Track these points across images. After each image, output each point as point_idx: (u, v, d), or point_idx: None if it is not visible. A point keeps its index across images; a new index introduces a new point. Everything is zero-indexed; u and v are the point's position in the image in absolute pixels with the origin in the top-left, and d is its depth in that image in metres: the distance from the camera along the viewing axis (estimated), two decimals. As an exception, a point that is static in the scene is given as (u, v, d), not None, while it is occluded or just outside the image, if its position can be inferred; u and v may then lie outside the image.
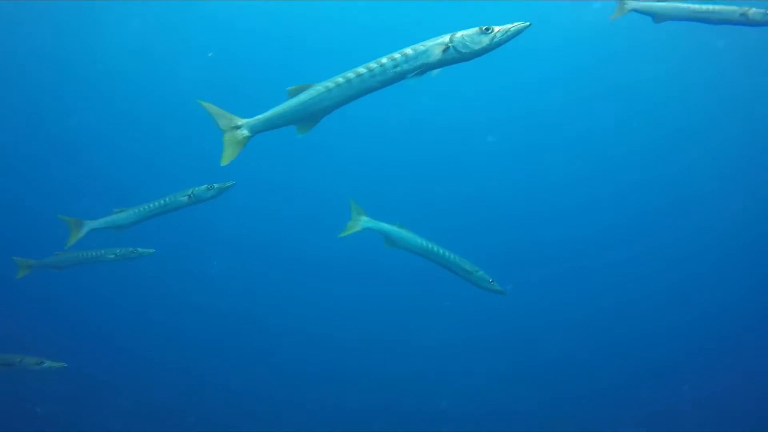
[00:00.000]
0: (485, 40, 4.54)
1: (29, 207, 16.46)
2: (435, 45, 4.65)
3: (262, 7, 18.63)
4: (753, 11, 6.11)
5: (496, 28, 4.50)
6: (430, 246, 7.33)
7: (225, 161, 4.99)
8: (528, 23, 4.44)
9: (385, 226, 7.44)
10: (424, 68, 4.68)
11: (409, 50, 4.68)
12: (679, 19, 6.58)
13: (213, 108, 5.02)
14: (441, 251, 7.33)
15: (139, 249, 8.33)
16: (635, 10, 6.71)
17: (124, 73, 18.63)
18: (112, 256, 8.40)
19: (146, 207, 7.30)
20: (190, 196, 6.98)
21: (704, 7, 6.35)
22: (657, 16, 6.63)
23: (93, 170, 17.88)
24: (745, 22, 6.15)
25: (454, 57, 4.64)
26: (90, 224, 7.54)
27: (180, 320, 15.45)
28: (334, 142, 17.63)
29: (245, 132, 4.97)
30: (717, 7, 6.30)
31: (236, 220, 17.12)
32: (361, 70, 4.74)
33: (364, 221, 7.47)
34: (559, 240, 16.46)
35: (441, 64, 4.67)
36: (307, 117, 4.90)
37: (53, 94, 18.86)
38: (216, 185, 6.89)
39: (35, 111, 18.47)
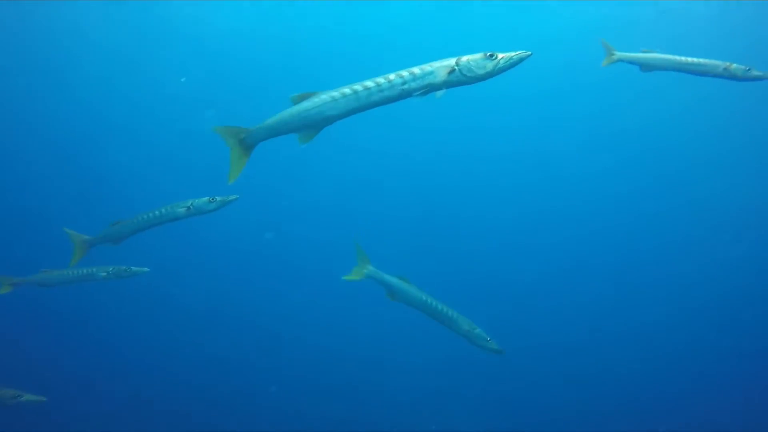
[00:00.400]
0: (489, 66, 4.69)
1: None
2: (441, 66, 4.77)
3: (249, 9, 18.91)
4: (735, 66, 6.44)
5: (500, 55, 4.66)
6: (430, 301, 7.31)
7: (233, 178, 4.99)
8: (529, 53, 4.61)
9: (388, 278, 7.45)
10: (430, 88, 4.78)
11: (416, 69, 4.78)
12: (665, 69, 6.90)
13: (224, 130, 5.01)
14: (441, 307, 7.32)
15: (132, 267, 7.89)
16: (623, 60, 7.03)
17: (114, 79, 18.68)
18: (104, 274, 7.94)
19: (142, 218, 7.06)
20: (189, 207, 6.78)
21: (689, 59, 6.69)
22: (644, 66, 6.96)
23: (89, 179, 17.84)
24: (727, 76, 6.48)
25: (458, 79, 4.77)
26: (89, 240, 7.37)
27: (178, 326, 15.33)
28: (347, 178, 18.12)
29: (248, 142, 4.97)
30: (701, 60, 6.63)
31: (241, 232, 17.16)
32: (369, 83, 4.79)
33: (368, 270, 7.49)
34: (563, 301, 16.25)
35: (446, 85, 4.78)
36: (310, 125, 4.90)
37: (45, 101, 18.84)
38: (219, 198, 6.70)
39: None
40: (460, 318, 7.26)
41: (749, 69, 6.36)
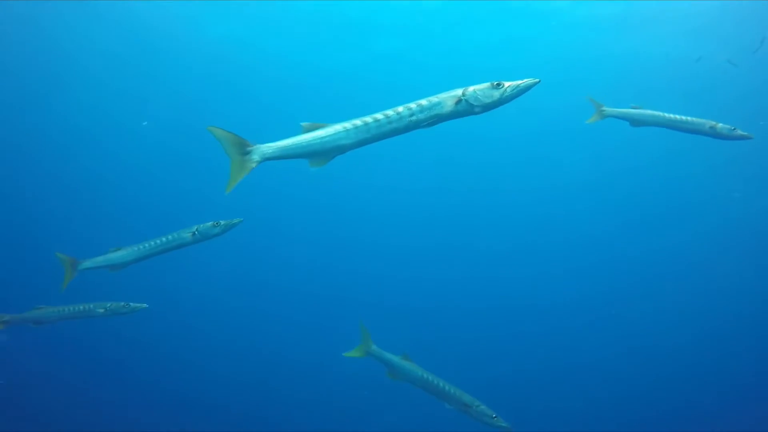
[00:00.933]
0: (496, 95, 4.77)
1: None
2: (448, 97, 4.85)
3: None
4: (720, 126, 6.70)
5: (507, 84, 4.75)
6: (431, 379, 7.37)
7: (230, 188, 4.87)
8: (537, 80, 4.70)
9: (388, 357, 7.55)
10: (437, 119, 4.87)
11: (424, 101, 4.88)
12: (653, 126, 7.13)
13: (222, 132, 4.91)
14: (441, 384, 7.37)
15: (131, 303, 7.65)
16: (612, 116, 7.25)
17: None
18: (102, 310, 7.71)
19: (145, 245, 6.89)
20: (194, 233, 6.67)
21: (677, 117, 6.93)
22: (633, 122, 7.18)
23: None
24: (713, 134, 6.72)
25: (465, 109, 4.84)
26: (84, 264, 7.10)
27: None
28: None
29: (255, 157, 4.90)
30: (689, 119, 6.88)
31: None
32: (379, 116, 4.90)
33: (370, 349, 7.60)
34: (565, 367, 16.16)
35: (453, 115, 4.85)
36: (322, 153, 4.95)
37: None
38: (223, 222, 6.59)
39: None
40: (462, 395, 7.29)
41: (734, 129, 6.63)
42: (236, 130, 4.96)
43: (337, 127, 4.92)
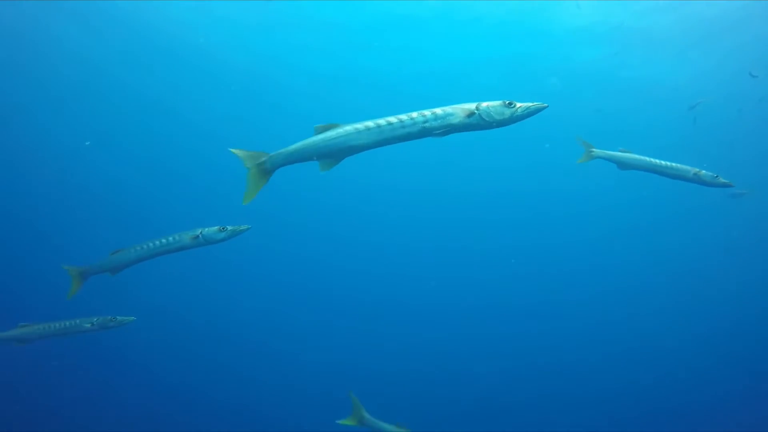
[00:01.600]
0: (507, 113, 4.97)
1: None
2: (462, 109, 5.04)
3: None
4: (704, 173, 7.00)
5: (518, 104, 4.96)
6: None
7: (247, 200, 4.99)
8: (545, 105, 4.92)
9: (381, 426, 7.76)
10: (449, 129, 5.03)
11: (438, 110, 5.06)
12: (640, 170, 7.40)
13: (242, 153, 5.08)
14: None
15: (118, 317, 7.43)
16: (600, 158, 7.51)
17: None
18: (89, 325, 7.45)
19: (145, 247, 6.71)
20: (197, 236, 6.47)
21: (662, 162, 7.23)
22: (620, 165, 7.45)
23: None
24: (697, 181, 7.01)
25: (477, 123, 5.01)
26: (90, 270, 6.96)
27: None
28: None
29: (268, 167, 5.05)
30: (673, 165, 7.17)
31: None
32: (392, 119, 5.04)
33: (363, 418, 7.78)
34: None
35: (464, 127, 5.02)
36: (332, 155, 5.05)
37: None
38: (230, 228, 6.40)
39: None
40: None
41: (717, 176, 6.93)
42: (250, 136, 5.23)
43: (348, 128, 5.04)
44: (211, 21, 18.60)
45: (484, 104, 5.04)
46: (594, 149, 7.47)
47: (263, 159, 5.06)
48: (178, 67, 19.70)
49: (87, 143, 18.99)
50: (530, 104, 4.96)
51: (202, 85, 20.39)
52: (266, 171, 5.03)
